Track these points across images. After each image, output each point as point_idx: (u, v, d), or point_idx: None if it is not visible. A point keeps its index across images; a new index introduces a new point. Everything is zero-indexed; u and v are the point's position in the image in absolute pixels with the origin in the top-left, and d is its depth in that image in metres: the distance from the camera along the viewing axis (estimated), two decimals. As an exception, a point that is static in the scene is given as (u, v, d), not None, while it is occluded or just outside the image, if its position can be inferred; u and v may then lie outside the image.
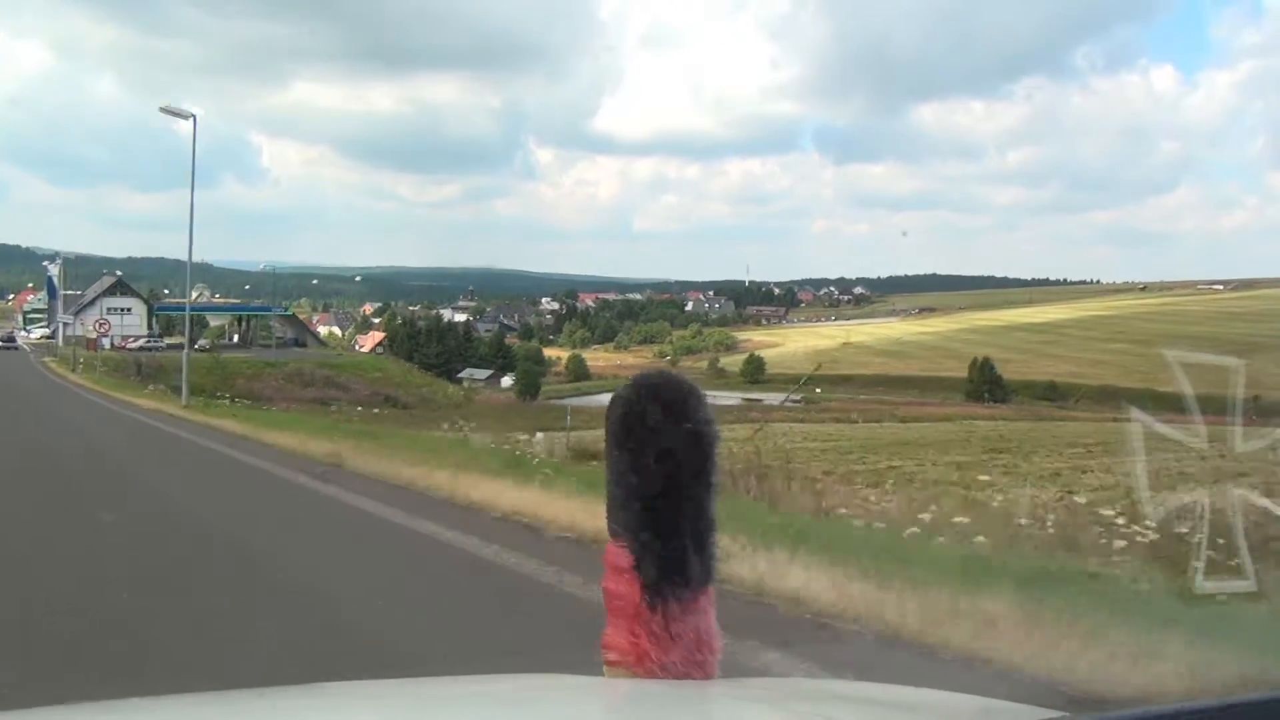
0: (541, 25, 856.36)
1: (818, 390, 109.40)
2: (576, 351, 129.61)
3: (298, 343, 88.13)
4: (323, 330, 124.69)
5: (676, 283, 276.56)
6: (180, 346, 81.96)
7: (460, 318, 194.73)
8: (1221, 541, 4.11)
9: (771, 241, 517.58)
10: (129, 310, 78.50)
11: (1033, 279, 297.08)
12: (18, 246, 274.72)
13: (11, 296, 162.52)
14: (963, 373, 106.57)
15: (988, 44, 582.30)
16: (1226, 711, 0.92)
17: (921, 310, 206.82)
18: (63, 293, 72.80)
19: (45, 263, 72.58)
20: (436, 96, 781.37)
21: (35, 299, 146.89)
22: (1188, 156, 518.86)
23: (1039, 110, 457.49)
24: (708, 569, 1.19)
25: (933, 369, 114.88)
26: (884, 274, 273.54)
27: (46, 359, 59.10)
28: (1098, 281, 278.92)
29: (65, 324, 66.39)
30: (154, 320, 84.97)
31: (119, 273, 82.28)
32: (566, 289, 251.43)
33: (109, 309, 71.99)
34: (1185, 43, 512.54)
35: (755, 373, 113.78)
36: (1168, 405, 4.48)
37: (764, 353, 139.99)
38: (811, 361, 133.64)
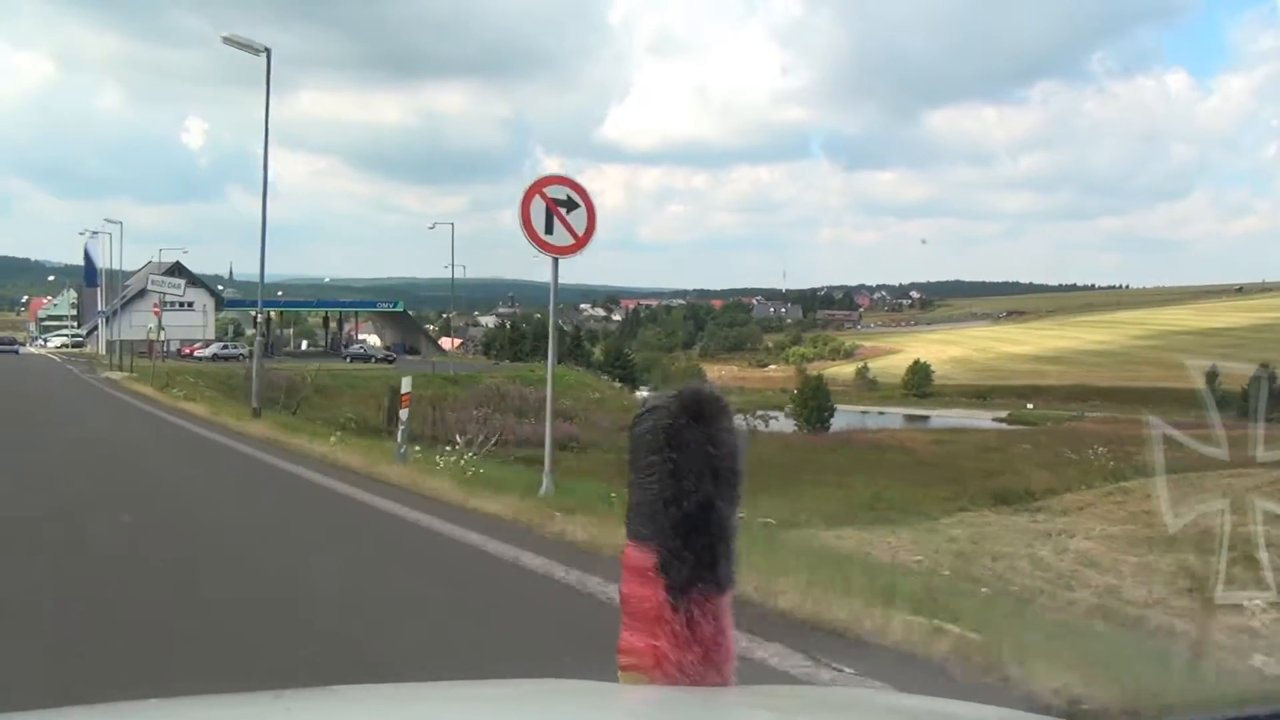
0: (549, 33, 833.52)
1: (1029, 406, 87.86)
2: (695, 362, 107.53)
3: (406, 349, 65.44)
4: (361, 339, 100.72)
5: (695, 290, 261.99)
6: (268, 355, 59.46)
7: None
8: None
9: (780, 249, 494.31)
10: (190, 305, 55.53)
11: (1059, 285, 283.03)
12: (27, 259, 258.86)
13: (25, 299, 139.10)
14: (1179, 384, 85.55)
15: (1002, 48, 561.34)
16: None
17: (1010, 314, 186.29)
18: (104, 280, 49.88)
19: (81, 234, 48.85)
20: (444, 106, 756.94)
21: (51, 304, 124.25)
22: (1201, 161, 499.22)
23: (1052, 115, 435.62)
24: (728, 574, 1.19)
25: (1129, 379, 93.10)
26: (904, 280, 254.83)
27: (111, 374, 34.81)
28: (1127, 286, 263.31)
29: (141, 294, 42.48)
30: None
31: (186, 249, 58.76)
32: (579, 298, 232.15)
33: (169, 302, 48.78)
34: (1202, 46, 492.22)
35: (922, 384, 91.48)
36: None
37: (885, 361, 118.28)
38: (956, 370, 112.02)
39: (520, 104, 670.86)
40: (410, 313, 72.72)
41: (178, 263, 56.94)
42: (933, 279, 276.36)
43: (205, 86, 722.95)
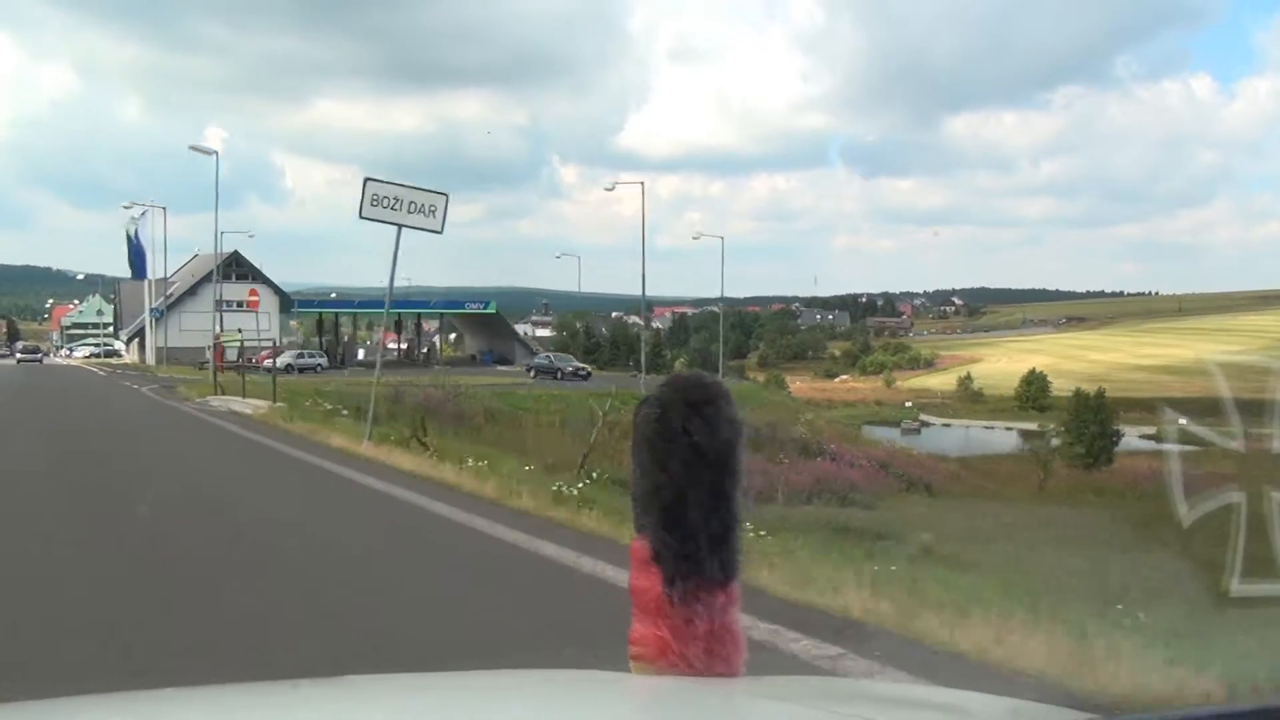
0: (567, 40, 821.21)
1: (1182, 421, 77.65)
2: (777, 373, 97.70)
3: (495, 358, 55.61)
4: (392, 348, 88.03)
5: (716, 298, 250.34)
6: (339, 365, 47.98)
7: (543, 333, 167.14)
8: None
9: (798, 257, 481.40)
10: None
11: (1085, 291, 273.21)
12: (48, 269, 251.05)
13: (50, 303, 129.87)
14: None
15: (1024, 52, 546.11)
16: (1258, 715, 0.88)
17: (1070, 319, 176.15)
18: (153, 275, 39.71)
19: (125, 207, 38.66)
20: (460, 114, 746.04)
21: (77, 311, 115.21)
22: (1225, 166, 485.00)
23: (1075, 120, 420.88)
24: (730, 564, 1.16)
25: (1267, 391, 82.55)
26: (930, 288, 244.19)
27: (232, 402, 19.19)
28: (1156, 293, 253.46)
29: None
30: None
31: (252, 234, 48.63)
32: (609, 307, 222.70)
33: (229, 302, 38.74)
34: (1228, 50, 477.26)
35: (1039, 396, 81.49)
36: None
37: (972, 370, 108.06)
38: (1063, 381, 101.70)
39: (537, 112, 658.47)
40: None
41: (236, 252, 47.02)
42: (958, 285, 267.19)
43: (225, 95, 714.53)
